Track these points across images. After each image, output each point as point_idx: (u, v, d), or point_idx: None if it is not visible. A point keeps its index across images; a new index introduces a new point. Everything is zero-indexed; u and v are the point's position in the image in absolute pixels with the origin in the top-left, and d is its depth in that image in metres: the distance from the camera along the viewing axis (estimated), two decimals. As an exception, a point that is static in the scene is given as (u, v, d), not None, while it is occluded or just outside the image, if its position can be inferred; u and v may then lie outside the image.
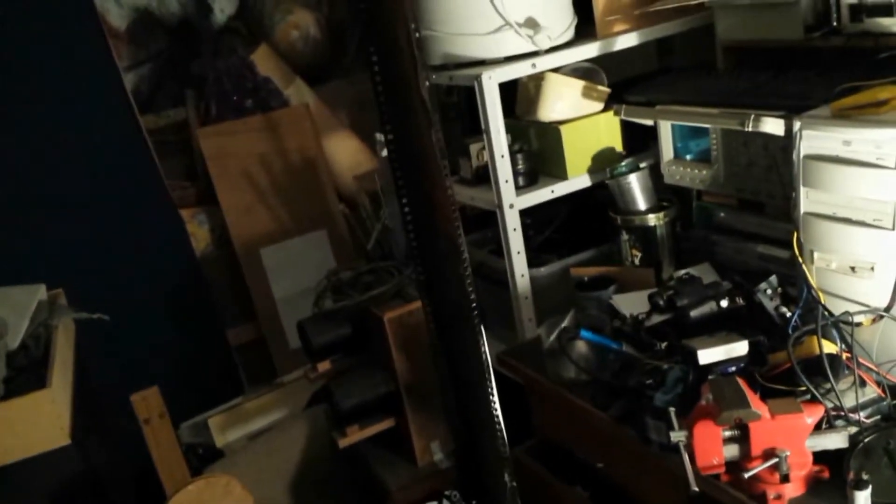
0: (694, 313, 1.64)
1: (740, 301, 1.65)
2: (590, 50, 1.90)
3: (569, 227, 2.20)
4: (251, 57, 2.72)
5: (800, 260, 1.47)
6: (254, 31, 2.87)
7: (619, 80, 2.05)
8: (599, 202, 2.04)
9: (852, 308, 1.41)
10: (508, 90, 1.89)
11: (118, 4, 2.72)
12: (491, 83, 1.79)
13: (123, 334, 2.55)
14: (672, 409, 1.33)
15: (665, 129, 1.84)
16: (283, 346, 2.84)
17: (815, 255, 1.45)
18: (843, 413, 1.29)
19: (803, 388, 1.31)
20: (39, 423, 1.52)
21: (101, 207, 2.57)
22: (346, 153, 2.96)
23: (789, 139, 1.44)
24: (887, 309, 1.37)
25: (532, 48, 1.82)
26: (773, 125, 1.46)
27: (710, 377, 1.38)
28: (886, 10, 1.45)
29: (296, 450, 2.26)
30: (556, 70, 1.91)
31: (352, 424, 1.98)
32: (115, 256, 2.60)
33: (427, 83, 1.02)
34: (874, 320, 1.41)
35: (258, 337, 2.85)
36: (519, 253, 1.96)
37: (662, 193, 1.94)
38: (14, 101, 2.47)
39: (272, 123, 2.70)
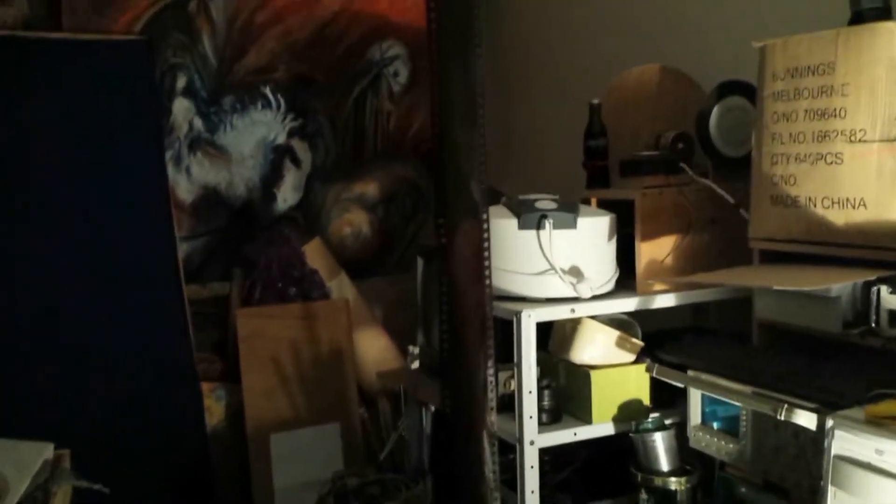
0: None
1: (757, 591, 1.58)
2: (628, 304, 1.96)
3: (586, 471, 2.15)
4: (303, 248, 2.84)
5: (824, 562, 1.41)
6: (310, 222, 3.03)
7: (650, 331, 2.09)
8: (621, 452, 2.01)
9: None
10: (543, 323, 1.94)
11: (189, 180, 2.91)
12: (530, 321, 1.84)
13: (117, 495, 2.48)
14: None
15: (695, 395, 1.84)
16: (274, 541, 2.72)
17: (841, 560, 1.39)
18: None
19: None
20: None
21: (125, 368, 2.59)
22: (373, 349, 2.99)
23: (821, 434, 1.43)
24: None
25: (574, 294, 1.88)
26: (805, 419, 1.46)
27: None
28: (924, 325, 1.49)
29: None
30: (593, 317, 1.95)
31: None
32: (126, 418, 2.59)
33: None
34: None
35: (249, 526, 2.75)
36: (533, 492, 1.91)
37: (686, 455, 1.91)
38: (69, 251, 2.58)
39: (310, 313, 2.77)
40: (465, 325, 1.05)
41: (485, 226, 1.02)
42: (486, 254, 1.03)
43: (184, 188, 2.90)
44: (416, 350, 2.29)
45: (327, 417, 2.82)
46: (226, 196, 2.93)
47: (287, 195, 3.01)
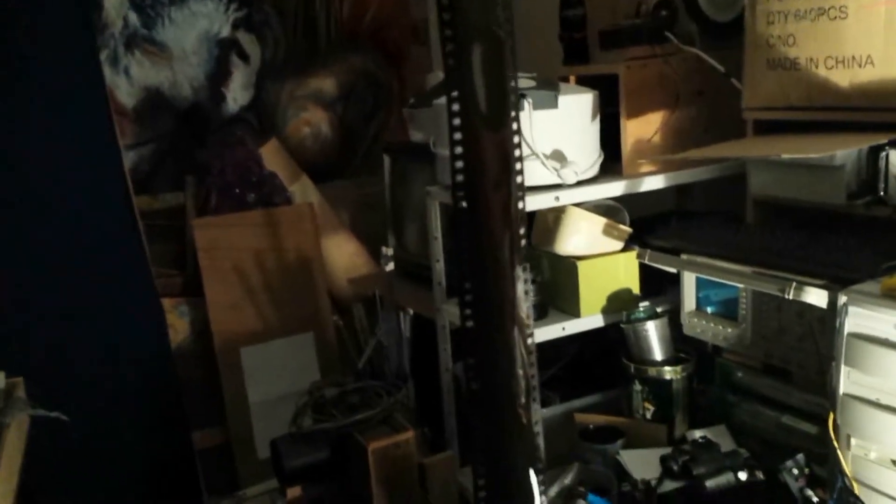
0: (710, 483, 1.50)
1: (760, 475, 1.52)
2: (614, 188, 1.83)
3: (576, 366, 2.08)
4: (259, 150, 2.64)
5: (835, 444, 1.34)
6: (265, 123, 2.82)
7: (634, 218, 1.98)
8: (611, 344, 1.92)
9: (891, 505, 1.28)
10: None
11: (129, 82, 2.67)
12: (512, 212, 1.70)
13: (81, 423, 2.37)
14: None
15: (689, 280, 1.74)
16: (251, 455, 2.64)
17: (853, 441, 1.32)
18: None
19: None
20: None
21: (78, 288, 2.42)
22: (343, 255, 2.85)
23: (832, 312, 1.34)
24: (932, 512, 1.24)
25: (557, 181, 1.74)
26: (816, 296, 1.36)
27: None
28: (940, 188, 1.38)
29: (252, 581, 2.05)
30: (578, 204, 1.82)
31: (320, 564, 1.79)
32: (85, 340, 2.44)
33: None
34: (913, 521, 1.27)
35: (225, 441, 2.66)
36: (521, 391, 1.82)
37: (680, 344, 1.83)
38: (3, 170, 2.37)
39: (272, 220, 2.60)
40: (483, 190, 0.85)
41: (509, 29, 0.77)
42: (510, 81, 0.80)
43: (124, 91, 2.66)
44: (389, 251, 2.16)
45: (299, 328, 2.71)
46: (171, 97, 2.70)
47: (237, 94, 2.78)
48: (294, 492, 1.87)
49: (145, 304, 2.53)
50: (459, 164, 0.86)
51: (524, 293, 0.89)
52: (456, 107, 0.78)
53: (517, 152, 0.84)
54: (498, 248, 0.88)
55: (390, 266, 2.18)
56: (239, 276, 2.57)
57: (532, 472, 0.96)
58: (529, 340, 0.94)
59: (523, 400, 0.95)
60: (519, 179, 0.88)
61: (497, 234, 0.87)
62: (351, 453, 1.84)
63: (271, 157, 2.68)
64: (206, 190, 2.61)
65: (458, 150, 0.81)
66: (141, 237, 2.54)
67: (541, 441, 0.99)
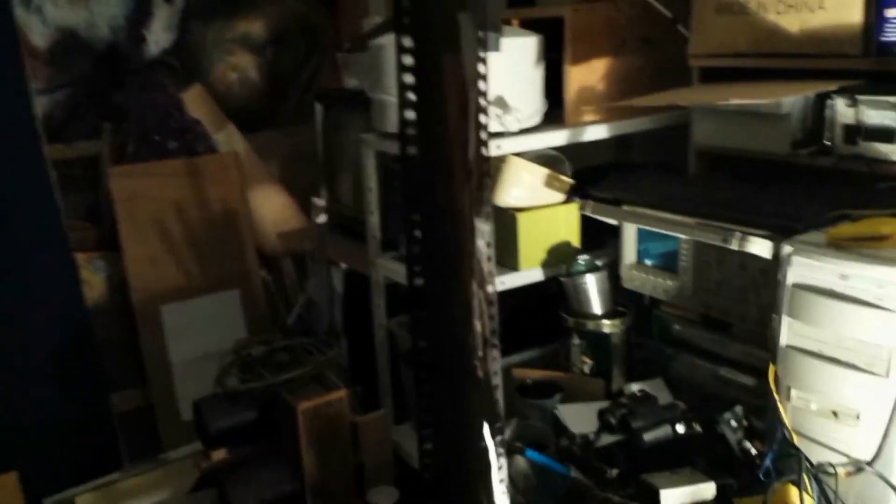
0: (648, 437, 1.48)
1: (697, 427, 1.51)
2: (557, 137, 1.77)
3: (514, 320, 2.02)
4: (181, 96, 2.48)
5: (775, 396, 1.32)
6: (188, 68, 2.65)
7: (575, 170, 1.93)
8: (549, 297, 1.88)
9: (830, 456, 1.27)
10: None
11: (43, 23, 2.47)
12: (450, 159, 1.62)
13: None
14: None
15: (629, 232, 1.70)
16: (174, 417, 2.53)
17: (793, 392, 1.31)
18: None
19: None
20: None
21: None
22: (272, 208, 2.73)
23: (775, 263, 1.31)
24: (871, 462, 1.23)
25: (499, 129, 1.66)
26: (760, 246, 1.33)
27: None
28: (886, 136, 1.36)
29: (176, 545, 1.96)
30: (520, 154, 1.76)
31: (246, 527, 1.71)
32: (-9, 297, 2.27)
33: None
34: (850, 473, 1.27)
35: (146, 404, 2.53)
36: (457, 347, 1.76)
37: (618, 297, 1.79)
38: None
39: (195, 169, 2.45)
40: (442, 127, 0.75)
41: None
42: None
43: (36, 32, 2.46)
44: (321, 202, 2.05)
45: (225, 284, 2.58)
46: (87, 39, 2.50)
47: (159, 36, 2.60)
48: (219, 454, 1.78)
49: (56, 259, 2.36)
50: (410, 97, 0.75)
51: (484, 242, 0.81)
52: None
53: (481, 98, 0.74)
54: (457, 197, 0.79)
55: (322, 219, 2.08)
56: (159, 230, 2.42)
57: (487, 428, 0.89)
58: (490, 288, 0.87)
59: (480, 353, 0.89)
60: (483, 120, 0.79)
61: (456, 179, 0.78)
62: (279, 413, 1.76)
63: (194, 103, 2.53)
64: (123, 137, 2.44)
65: (408, 79, 0.71)
66: (52, 187, 2.37)
67: (500, 395, 0.92)
